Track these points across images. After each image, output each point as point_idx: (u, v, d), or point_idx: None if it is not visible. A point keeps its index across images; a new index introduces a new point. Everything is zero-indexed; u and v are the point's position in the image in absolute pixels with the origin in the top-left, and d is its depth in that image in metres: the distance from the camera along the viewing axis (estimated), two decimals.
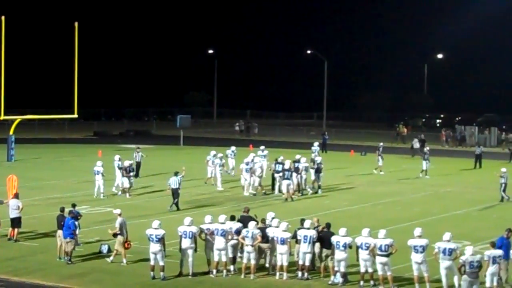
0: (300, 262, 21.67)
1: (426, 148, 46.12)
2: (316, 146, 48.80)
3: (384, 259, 20.61)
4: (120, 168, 36.94)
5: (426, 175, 44.22)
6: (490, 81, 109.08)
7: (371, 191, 38.74)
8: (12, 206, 26.10)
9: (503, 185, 36.12)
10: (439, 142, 68.85)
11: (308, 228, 21.83)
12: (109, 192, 36.13)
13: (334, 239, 21.30)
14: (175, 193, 32.66)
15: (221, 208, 31.80)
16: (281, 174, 36.23)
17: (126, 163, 36.18)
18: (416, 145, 59.29)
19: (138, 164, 42.44)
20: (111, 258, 23.13)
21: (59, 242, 23.58)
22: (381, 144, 47.73)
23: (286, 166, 36.24)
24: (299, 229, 22.07)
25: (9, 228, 26.00)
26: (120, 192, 36.45)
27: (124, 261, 22.95)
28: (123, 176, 36.08)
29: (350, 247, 21.13)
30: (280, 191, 36.52)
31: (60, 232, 23.59)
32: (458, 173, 47.23)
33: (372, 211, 33.26)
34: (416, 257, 20.45)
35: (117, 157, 37.92)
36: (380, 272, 20.68)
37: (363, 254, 20.81)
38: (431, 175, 44.59)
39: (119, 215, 23.30)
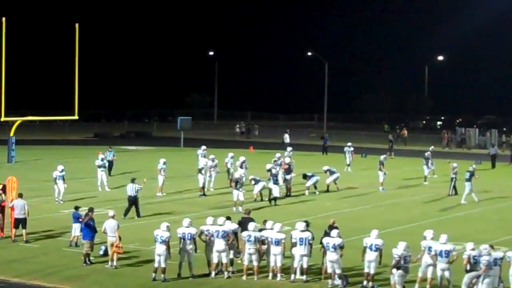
0: (296, 265, 21.43)
1: (428, 153, 45.17)
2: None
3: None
4: (99, 167, 37.42)
5: (425, 180, 43.12)
6: (491, 83, 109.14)
7: (372, 193, 38.70)
8: (18, 206, 25.93)
9: (453, 180, 37.87)
10: (440, 144, 68.72)
11: (303, 231, 21.65)
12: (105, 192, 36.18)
13: (324, 240, 21.24)
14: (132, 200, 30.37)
15: (220, 211, 31.80)
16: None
17: (237, 174, 33.41)
18: (287, 140, 59.14)
19: (110, 163, 42.42)
20: (110, 263, 22.86)
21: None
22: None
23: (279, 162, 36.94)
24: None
25: (12, 229, 25.87)
26: (100, 188, 36.86)
27: (110, 263, 22.75)
28: (234, 188, 32.17)
29: (341, 248, 21.02)
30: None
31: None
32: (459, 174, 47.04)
33: (373, 213, 33.22)
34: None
35: (100, 156, 38.71)
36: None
37: (371, 256, 20.73)
38: (431, 178, 44.31)
39: (112, 217, 23.09)
